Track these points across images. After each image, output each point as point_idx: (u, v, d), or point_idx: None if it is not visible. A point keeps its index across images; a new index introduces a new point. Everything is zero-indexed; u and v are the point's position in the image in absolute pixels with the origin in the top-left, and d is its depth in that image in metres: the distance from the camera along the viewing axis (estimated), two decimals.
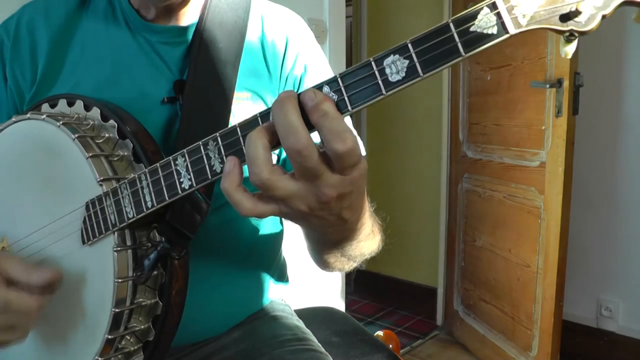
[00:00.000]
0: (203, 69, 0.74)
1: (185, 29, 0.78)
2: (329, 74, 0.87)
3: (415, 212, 2.92)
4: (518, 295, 2.10)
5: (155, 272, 0.62)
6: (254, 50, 0.81)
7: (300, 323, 0.91)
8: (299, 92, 0.80)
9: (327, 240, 0.65)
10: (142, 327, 0.63)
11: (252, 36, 0.81)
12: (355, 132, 0.49)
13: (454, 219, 2.62)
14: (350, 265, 0.77)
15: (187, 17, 0.79)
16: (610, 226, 2.26)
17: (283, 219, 0.95)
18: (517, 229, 2.10)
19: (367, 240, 0.69)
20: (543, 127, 1.91)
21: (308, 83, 0.83)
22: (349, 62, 2.94)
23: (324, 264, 0.77)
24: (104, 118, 0.66)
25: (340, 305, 2.16)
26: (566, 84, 1.80)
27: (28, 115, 0.68)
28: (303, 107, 0.46)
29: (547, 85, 1.84)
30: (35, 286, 0.60)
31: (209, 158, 0.53)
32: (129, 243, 0.60)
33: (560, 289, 1.91)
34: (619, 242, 2.24)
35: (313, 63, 0.85)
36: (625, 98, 2.20)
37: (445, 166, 2.70)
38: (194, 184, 0.54)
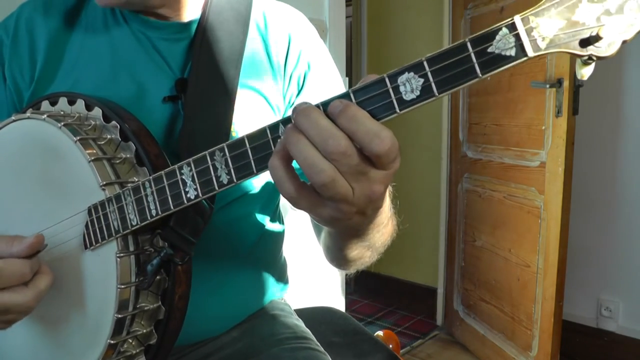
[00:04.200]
0: (205, 67, 0.73)
1: (186, 25, 0.77)
2: (333, 71, 0.86)
3: (415, 212, 2.92)
4: (518, 295, 2.10)
5: (158, 277, 0.61)
6: (256, 48, 0.80)
7: (299, 322, 0.91)
8: (303, 88, 0.80)
9: (354, 234, 0.63)
10: (144, 330, 0.63)
11: (254, 34, 0.80)
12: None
13: (454, 219, 2.62)
14: (371, 258, 0.74)
15: (188, 13, 0.77)
16: (610, 226, 2.26)
17: (283, 220, 0.94)
18: (517, 229, 2.10)
19: (389, 225, 0.68)
20: (543, 127, 1.91)
21: (312, 81, 0.82)
22: (349, 62, 2.94)
23: (347, 262, 0.74)
24: (106, 118, 0.65)
25: (340, 305, 2.16)
26: (566, 84, 1.79)
27: (28, 114, 0.67)
28: (329, 116, 0.45)
29: (547, 85, 1.83)
30: (19, 256, 0.61)
31: (215, 169, 0.52)
32: (131, 249, 0.60)
33: (560, 289, 1.91)
34: (619, 242, 2.24)
35: (317, 60, 0.84)
36: (625, 98, 2.20)
37: (445, 166, 2.70)
38: (200, 195, 0.54)
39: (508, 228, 2.16)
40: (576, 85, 1.82)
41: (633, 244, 2.20)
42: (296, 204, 0.49)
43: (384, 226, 0.65)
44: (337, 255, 0.73)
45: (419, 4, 2.85)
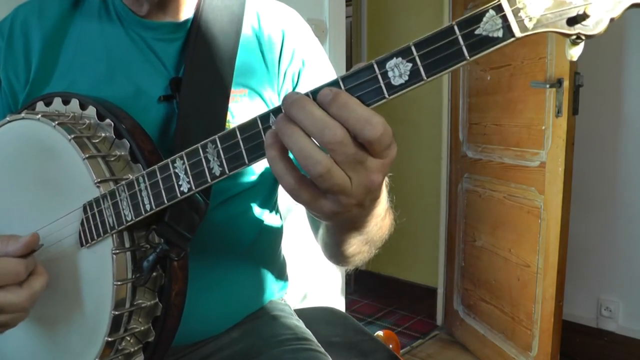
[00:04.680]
0: (199, 66, 0.73)
1: (180, 25, 0.77)
2: (327, 67, 0.86)
3: (415, 212, 2.92)
4: (518, 295, 2.10)
5: (154, 274, 0.61)
6: (250, 46, 0.80)
7: (299, 322, 0.91)
8: (297, 85, 0.81)
9: (352, 227, 0.63)
10: (142, 328, 0.63)
11: (247, 32, 0.80)
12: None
13: (454, 219, 2.61)
14: (369, 254, 0.74)
15: (182, 13, 0.78)
16: (610, 226, 2.26)
17: (281, 215, 0.94)
18: (517, 229, 2.09)
19: (386, 218, 0.68)
20: (543, 127, 1.91)
21: (306, 78, 0.82)
22: (349, 62, 2.94)
23: (344, 258, 0.74)
24: (100, 117, 0.65)
25: (340, 305, 2.16)
26: (566, 84, 1.79)
27: (22, 114, 0.67)
28: (319, 105, 0.46)
29: (547, 85, 1.83)
30: (14, 255, 0.61)
31: (207, 161, 0.52)
32: (127, 245, 0.60)
33: (560, 289, 1.91)
34: (619, 242, 2.24)
35: (311, 57, 0.84)
36: (625, 98, 2.20)
37: (445, 166, 2.70)
38: (193, 187, 0.54)
39: (508, 228, 2.16)
40: (576, 85, 1.82)
41: (633, 244, 2.20)
42: (297, 196, 0.49)
43: (382, 219, 0.65)
44: (336, 251, 0.73)
45: (419, 4, 2.85)
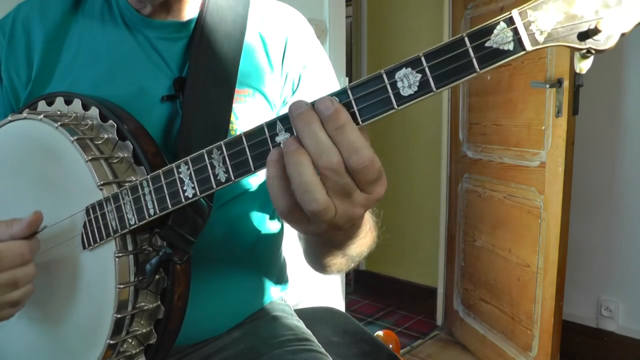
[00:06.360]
0: (203, 66, 0.73)
1: (184, 24, 0.77)
2: (328, 72, 0.86)
3: (415, 212, 2.92)
4: (518, 295, 2.10)
5: (157, 277, 0.61)
6: (254, 47, 0.80)
7: (300, 323, 0.91)
8: (297, 89, 0.81)
9: (330, 244, 0.65)
10: (144, 330, 0.63)
11: (252, 33, 0.80)
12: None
13: (454, 219, 2.61)
14: (348, 266, 0.76)
15: (186, 12, 0.78)
16: (610, 226, 2.26)
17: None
18: (517, 229, 2.10)
19: (367, 237, 0.69)
20: (543, 127, 1.91)
21: (306, 82, 0.82)
22: (348, 63, 2.94)
23: (323, 267, 0.76)
24: (103, 118, 0.65)
25: (340, 305, 2.16)
26: (566, 84, 1.80)
27: (24, 114, 0.67)
28: (318, 114, 0.46)
29: (547, 85, 1.84)
30: (19, 236, 0.61)
31: (213, 167, 0.52)
32: (130, 248, 0.60)
33: (560, 289, 1.91)
34: (619, 242, 2.24)
35: (313, 61, 0.84)
36: (625, 98, 2.20)
37: (445, 166, 2.70)
38: (198, 193, 0.54)
39: (508, 228, 2.16)
40: (576, 85, 1.82)
41: (633, 244, 2.20)
42: (285, 218, 0.50)
43: (360, 239, 0.66)
44: (313, 259, 0.76)
45: (419, 3, 2.85)
